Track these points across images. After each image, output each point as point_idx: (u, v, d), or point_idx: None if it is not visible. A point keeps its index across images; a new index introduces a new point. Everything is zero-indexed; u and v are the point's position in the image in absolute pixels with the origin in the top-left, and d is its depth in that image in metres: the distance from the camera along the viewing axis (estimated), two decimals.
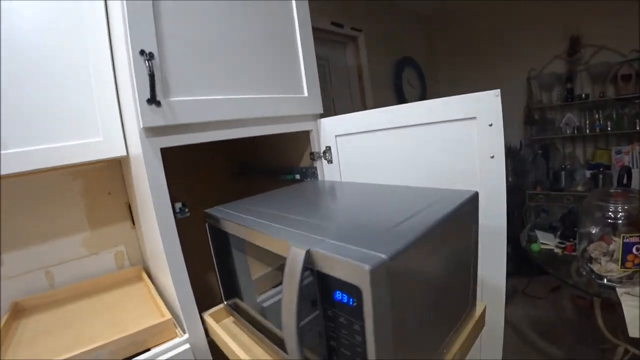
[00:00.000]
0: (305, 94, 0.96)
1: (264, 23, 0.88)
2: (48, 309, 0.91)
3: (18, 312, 0.90)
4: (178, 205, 0.83)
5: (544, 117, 2.66)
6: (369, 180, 0.94)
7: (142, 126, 0.68)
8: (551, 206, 2.52)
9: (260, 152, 1.37)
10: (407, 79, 2.85)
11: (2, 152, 0.71)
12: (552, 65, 2.62)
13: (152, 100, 0.68)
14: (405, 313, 0.40)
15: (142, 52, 0.67)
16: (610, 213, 1.17)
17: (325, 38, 2.28)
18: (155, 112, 0.69)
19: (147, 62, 0.66)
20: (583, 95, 2.45)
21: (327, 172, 1.03)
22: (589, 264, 1.19)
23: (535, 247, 1.48)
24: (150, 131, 0.71)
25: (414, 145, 0.85)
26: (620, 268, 1.09)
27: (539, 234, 1.56)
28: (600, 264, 1.15)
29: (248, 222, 0.56)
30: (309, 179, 1.06)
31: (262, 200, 0.75)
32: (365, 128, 0.91)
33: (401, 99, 2.73)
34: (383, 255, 0.35)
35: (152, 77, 0.66)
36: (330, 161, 1.01)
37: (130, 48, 0.66)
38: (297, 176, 1.08)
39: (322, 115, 1.02)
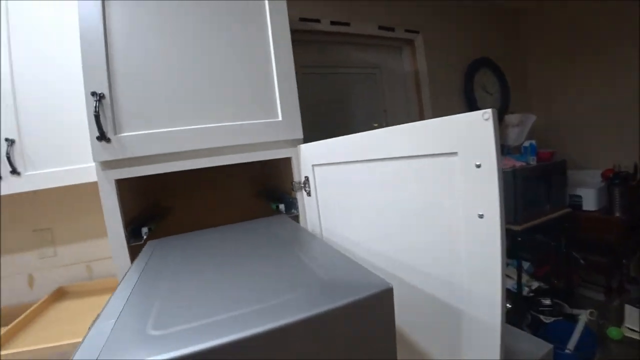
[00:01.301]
0: (280, 117, 0.94)
1: (231, 47, 0.90)
2: (79, 298, 1.25)
3: (60, 295, 1.28)
4: (144, 229, 0.90)
5: None
6: (343, 221, 0.85)
7: (93, 160, 0.77)
8: None
9: (270, 176, 1.40)
10: (482, 83, 2.52)
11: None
12: None
13: (102, 137, 0.76)
14: None
15: (93, 94, 0.76)
16: None
17: (375, 44, 2.21)
18: (105, 147, 0.77)
19: (96, 102, 0.75)
20: None
21: (307, 205, 0.98)
22: None
23: (614, 332, 1.05)
24: (104, 164, 0.79)
25: (386, 185, 0.69)
26: None
27: (629, 310, 1.07)
28: None
29: (134, 270, 0.57)
30: (293, 211, 1.03)
31: (198, 238, 0.76)
32: (336, 159, 0.83)
33: (473, 108, 2.43)
34: None
35: (97, 117, 0.74)
36: (309, 194, 0.95)
37: (84, 89, 0.76)
38: (282, 206, 1.05)
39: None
